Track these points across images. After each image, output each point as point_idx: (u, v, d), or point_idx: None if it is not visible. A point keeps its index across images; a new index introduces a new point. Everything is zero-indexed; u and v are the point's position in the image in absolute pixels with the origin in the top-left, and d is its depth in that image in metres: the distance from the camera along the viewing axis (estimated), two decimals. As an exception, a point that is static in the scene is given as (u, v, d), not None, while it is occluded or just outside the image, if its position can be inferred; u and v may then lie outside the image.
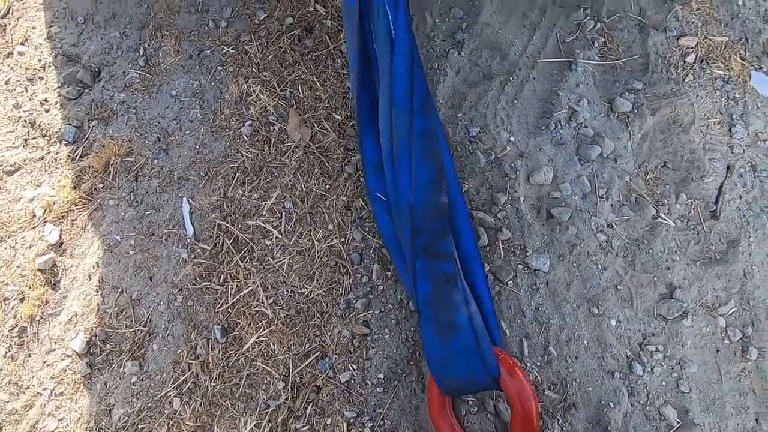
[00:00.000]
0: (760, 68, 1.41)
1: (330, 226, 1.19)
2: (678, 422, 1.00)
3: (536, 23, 1.45)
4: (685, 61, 1.41)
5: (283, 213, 1.20)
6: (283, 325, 1.08)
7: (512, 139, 1.30)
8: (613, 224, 1.20)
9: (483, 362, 0.90)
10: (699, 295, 1.13)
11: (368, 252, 1.16)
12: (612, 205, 1.23)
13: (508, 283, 1.12)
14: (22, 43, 1.44)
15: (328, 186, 1.24)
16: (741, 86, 1.38)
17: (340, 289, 1.12)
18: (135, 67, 1.42)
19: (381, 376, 1.04)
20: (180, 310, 1.11)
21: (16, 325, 1.08)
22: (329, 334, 1.08)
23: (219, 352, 1.05)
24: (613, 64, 1.40)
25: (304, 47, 1.45)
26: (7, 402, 1.02)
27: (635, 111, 1.33)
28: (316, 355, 1.06)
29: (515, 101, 1.35)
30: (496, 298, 1.11)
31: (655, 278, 1.14)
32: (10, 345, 1.06)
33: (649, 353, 1.06)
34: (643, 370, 1.04)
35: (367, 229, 1.18)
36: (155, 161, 1.29)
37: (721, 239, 1.19)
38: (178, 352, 1.07)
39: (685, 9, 1.48)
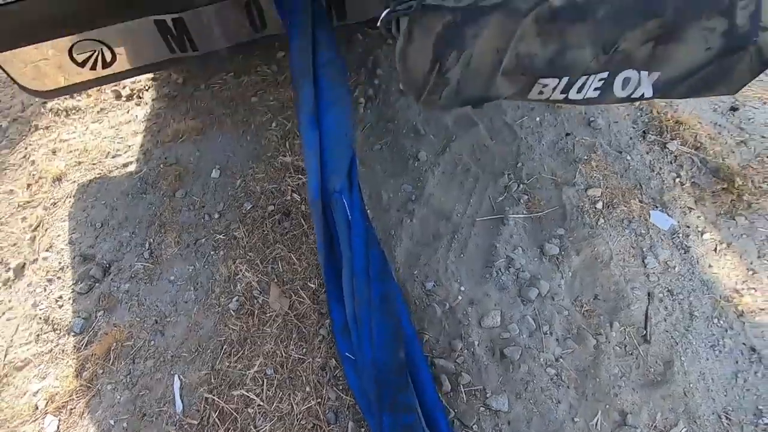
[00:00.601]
0: (656, 207, 1.73)
1: (307, 388, 1.31)
2: None
3: (472, 189, 1.80)
4: (595, 208, 1.72)
5: (265, 380, 1.33)
6: (264, 497, 1.12)
7: (462, 288, 1.51)
8: (560, 357, 1.34)
9: None
10: (650, 419, 1.21)
11: (343, 410, 1.26)
12: (557, 340, 1.39)
13: (473, 426, 1.21)
14: (47, 250, 1.73)
15: (304, 349, 1.39)
16: (644, 224, 1.67)
17: (319, 453, 1.19)
18: (141, 259, 1.69)
19: None
20: (165, 492, 1.15)
21: None
22: (309, 502, 1.11)
23: None
24: (539, 216, 1.71)
25: (283, 228, 1.75)
26: None
27: (562, 253, 1.59)
28: None
29: (461, 255, 1.61)
30: (464, 445, 1.18)
31: (607, 406, 1.24)
32: None
33: (615, 487, 1.10)
34: (613, 506, 1.08)
35: (341, 387, 1.30)
36: (152, 342, 1.45)
37: (657, 361, 1.32)
38: None
39: (586, 166, 1.87)
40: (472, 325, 1.41)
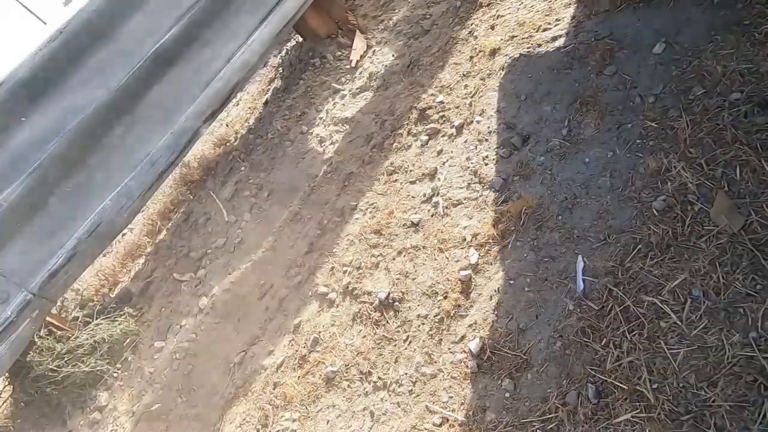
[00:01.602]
0: None
1: (753, 334, 1.00)
2: None
3: None
4: None
5: (689, 300, 1.11)
6: (665, 417, 0.99)
7: None
8: None
9: None
10: None
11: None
12: None
13: None
14: (480, 115, 1.97)
15: (759, 286, 1.04)
16: None
17: (755, 413, 0.92)
18: (558, 136, 1.66)
19: None
20: (557, 354, 1.21)
21: (438, 314, 1.49)
22: (728, 458, 0.91)
23: (589, 411, 1.08)
24: None
25: (751, 125, 1.28)
26: (423, 365, 1.41)
27: None
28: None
29: None
30: None
31: None
32: (433, 325, 1.47)
33: None
34: None
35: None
36: (560, 217, 1.46)
37: None
38: (547, 391, 1.17)
39: None
40: None
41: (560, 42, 1.95)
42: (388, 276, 1.69)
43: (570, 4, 2.04)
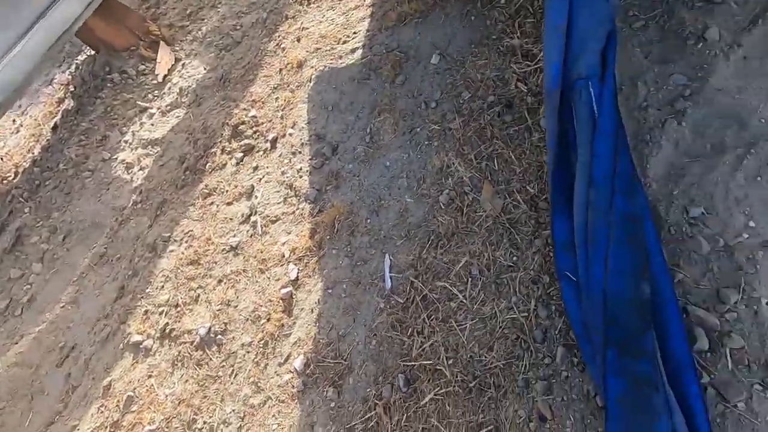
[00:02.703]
0: None
1: (514, 299, 1.19)
2: None
3: (794, 83, 1.19)
4: None
5: (470, 279, 1.27)
6: (459, 388, 1.12)
7: (752, 224, 1.07)
8: None
9: None
10: None
11: (553, 332, 1.11)
12: None
13: (738, 404, 0.90)
14: (292, 127, 1.96)
15: (515, 258, 1.25)
16: None
17: (520, 366, 1.10)
18: (362, 143, 1.76)
19: (558, 472, 0.96)
20: (373, 353, 1.27)
21: (263, 338, 1.43)
22: (504, 410, 1.06)
23: (401, 400, 1.16)
24: None
25: (503, 122, 1.54)
26: (250, 397, 1.34)
27: None
28: (489, 429, 1.05)
29: (758, 178, 1.12)
30: (718, 421, 0.90)
31: None
32: (257, 352, 1.41)
33: None
34: None
35: (553, 308, 1.13)
36: (368, 221, 1.54)
37: None
38: (367, 390, 1.22)
39: None
40: (761, 276, 0.99)
41: (358, 54, 2.06)
42: (209, 308, 1.56)
43: (364, 18, 2.18)
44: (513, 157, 1.43)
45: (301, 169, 1.81)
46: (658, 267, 1.00)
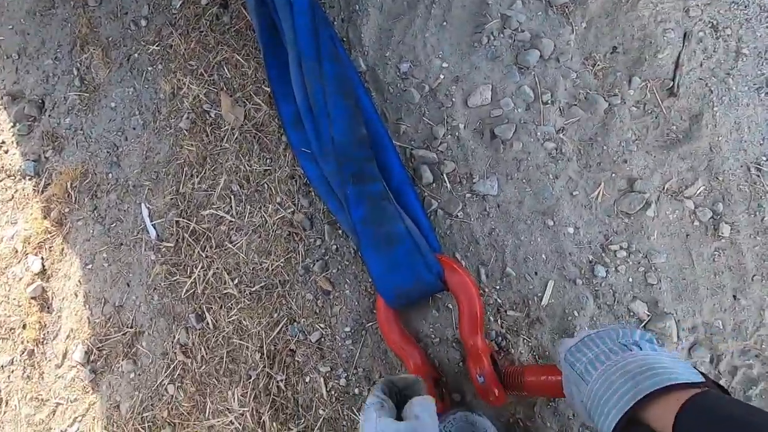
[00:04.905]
0: None
1: (278, 199, 1.21)
2: (648, 315, 0.98)
3: (456, -70, 1.34)
4: (627, -74, 1.25)
5: (232, 197, 1.24)
6: (250, 301, 1.14)
7: (445, 65, 1.24)
8: (562, 129, 1.14)
9: (425, 262, 0.95)
10: (662, 182, 1.06)
11: (317, 215, 1.18)
12: (559, 109, 1.16)
13: (458, 214, 1.11)
14: (-31, 94, 1.52)
15: (269, 160, 1.25)
16: (694, -63, 1.22)
17: (297, 257, 1.16)
18: (72, 89, 1.46)
19: (348, 329, 1.08)
20: (159, 307, 1.19)
21: (25, 349, 1.21)
22: (294, 300, 1.13)
23: (198, 337, 1.14)
24: (547, -47, 1.27)
25: (222, 25, 1.42)
26: (34, 414, 1.16)
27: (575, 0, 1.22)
28: (284, 322, 1.11)
29: (444, 24, 1.27)
30: (448, 232, 1.10)
31: (613, 175, 1.08)
32: (24, 367, 1.20)
33: (612, 253, 1.03)
34: (607, 271, 1.02)
35: (312, 194, 1.19)
36: (109, 175, 1.35)
37: (682, 117, 1.10)
38: (164, 344, 1.16)
39: None
40: (456, 107, 1.18)
41: (29, -22, 1.62)
42: (-62, 348, 1.24)
43: (21, -72, 1.68)
44: (241, 59, 1.35)
45: (3, 142, 1.45)
46: (371, 113, 1.13)
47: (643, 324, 0.98)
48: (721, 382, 0.97)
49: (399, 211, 0.99)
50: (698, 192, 1.04)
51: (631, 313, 0.99)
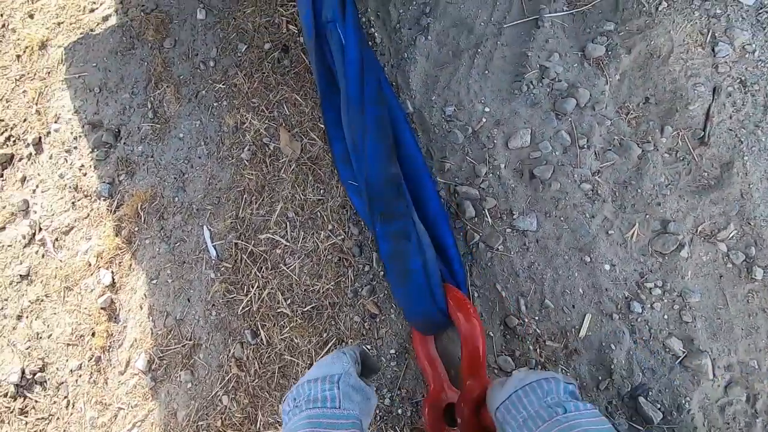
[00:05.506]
0: (742, -25, 1.35)
1: (330, 227, 1.32)
2: (684, 351, 1.03)
3: (498, -11, 1.48)
4: (657, -11, 1.37)
5: (287, 223, 1.35)
6: (301, 320, 1.23)
7: (487, 109, 1.35)
8: (598, 172, 1.23)
9: (432, 297, 1.04)
10: (695, 225, 1.13)
11: (366, 243, 1.28)
12: (595, 153, 1.25)
13: (498, 247, 1.19)
14: (55, 122, 1.71)
15: (322, 190, 1.37)
16: (722, 0, 1.33)
17: (347, 281, 1.25)
18: (146, 120, 1.63)
19: (392, 351, 1.16)
20: (216, 322, 1.29)
21: (93, 356, 1.32)
22: (342, 322, 1.21)
23: (252, 352, 1.22)
24: (582, 11, 1.40)
25: (283, 68, 1.58)
26: (98, 417, 1.26)
27: (609, 53, 1.33)
28: (333, 341, 1.20)
29: (486, 72, 1.40)
30: (489, 264, 1.18)
31: (647, 216, 1.16)
32: (91, 372, 1.31)
33: (647, 290, 1.09)
34: (643, 307, 1.07)
35: (362, 223, 1.30)
36: (175, 199, 1.49)
37: (713, 164, 1.17)
38: (220, 357, 1.25)
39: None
40: (497, 148, 1.29)
41: (113, 21, 1.84)
42: (14, 351, 1.37)
43: (108, -22, 1.92)
44: (299, 98, 1.50)
45: (82, 165, 1.61)
46: (413, 151, 1.24)
47: (678, 360, 1.03)
48: (758, 422, 1.00)
49: (420, 246, 1.07)
50: (731, 236, 1.11)
51: (667, 349, 1.04)
